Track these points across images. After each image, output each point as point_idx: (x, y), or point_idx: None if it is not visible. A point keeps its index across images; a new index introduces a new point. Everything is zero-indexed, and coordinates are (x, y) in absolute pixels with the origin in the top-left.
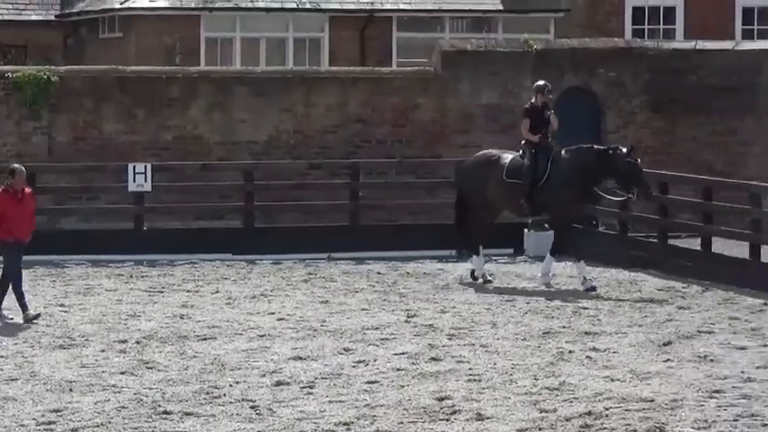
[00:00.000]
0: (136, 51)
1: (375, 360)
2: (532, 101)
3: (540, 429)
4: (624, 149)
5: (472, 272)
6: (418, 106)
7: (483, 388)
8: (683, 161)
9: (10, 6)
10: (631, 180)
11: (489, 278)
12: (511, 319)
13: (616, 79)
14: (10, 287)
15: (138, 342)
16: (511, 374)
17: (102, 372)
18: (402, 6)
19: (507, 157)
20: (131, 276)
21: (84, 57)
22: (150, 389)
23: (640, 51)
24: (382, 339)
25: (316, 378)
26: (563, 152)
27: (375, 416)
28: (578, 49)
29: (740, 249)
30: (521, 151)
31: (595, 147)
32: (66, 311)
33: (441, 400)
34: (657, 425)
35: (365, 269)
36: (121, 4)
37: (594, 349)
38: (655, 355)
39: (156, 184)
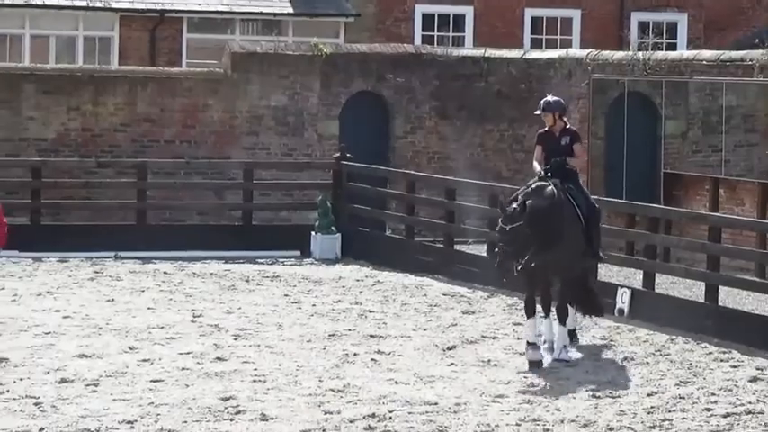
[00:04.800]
0: None
1: (160, 359)
2: (548, 125)
3: (323, 430)
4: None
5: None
6: (207, 107)
7: (268, 389)
8: (471, 167)
9: None
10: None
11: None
12: (297, 321)
13: (405, 85)
14: None
15: None
16: (296, 376)
17: None
18: (193, 7)
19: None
20: None
21: None
22: None
23: (429, 58)
24: (168, 338)
25: (100, 376)
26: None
27: (159, 414)
28: (368, 54)
29: None
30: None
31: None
32: None
33: (225, 399)
34: (440, 428)
35: (152, 268)
36: None
37: (379, 352)
38: (439, 359)
39: None
